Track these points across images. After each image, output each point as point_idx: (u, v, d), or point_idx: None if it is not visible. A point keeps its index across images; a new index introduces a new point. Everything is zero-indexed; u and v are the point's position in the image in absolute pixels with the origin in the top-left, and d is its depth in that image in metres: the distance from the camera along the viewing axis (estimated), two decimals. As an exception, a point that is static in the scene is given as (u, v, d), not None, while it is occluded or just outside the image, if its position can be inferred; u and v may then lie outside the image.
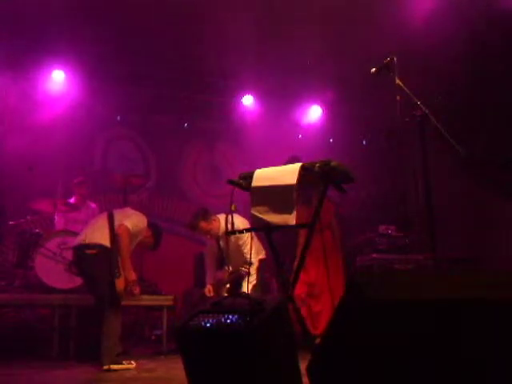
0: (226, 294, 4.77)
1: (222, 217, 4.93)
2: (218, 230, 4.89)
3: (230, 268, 4.82)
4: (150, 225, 4.76)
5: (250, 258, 4.53)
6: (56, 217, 6.10)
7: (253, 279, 4.66)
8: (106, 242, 4.34)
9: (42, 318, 5.40)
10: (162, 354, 5.13)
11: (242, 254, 4.74)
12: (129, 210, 4.72)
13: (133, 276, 4.39)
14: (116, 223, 4.43)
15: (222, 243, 4.92)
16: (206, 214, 4.90)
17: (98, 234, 4.39)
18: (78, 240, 4.46)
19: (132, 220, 4.50)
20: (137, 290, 4.53)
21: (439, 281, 1.99)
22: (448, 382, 1.74)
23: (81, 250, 4.38)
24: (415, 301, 1.80)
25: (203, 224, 4.86)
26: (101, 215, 4.71)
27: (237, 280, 4.75)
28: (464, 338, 1.76)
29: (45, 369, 4.25)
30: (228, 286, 4.85)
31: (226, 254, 4.78)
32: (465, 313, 1.79)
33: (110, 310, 4.24)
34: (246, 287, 4.45)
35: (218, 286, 4.99)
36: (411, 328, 1.73)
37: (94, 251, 4.32)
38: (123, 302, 4.46)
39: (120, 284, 4.27)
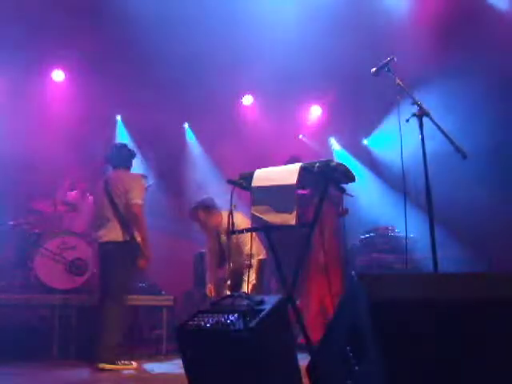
0: (227, 292, 4.75)
1: (225, 213, 4.89)
2: (219, 225, 4.84)
3: (231, 265, 4.78)
4: (126, 163, 4.71)
5: (251, 256, 4.49)
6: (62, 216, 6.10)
7: (252, 279, 4.64)
8: (119, 236, 4.36)
9: (42, 318, 5.40)
10: (161, 354, 5.13)
11: (241, 250, 4.70)
12: (129, 178, 4.60)
13: (149, 251, 4.43)
14: (124, 197, 4.40)
15: (223, 238, 4.87)
16: (209, 205, 4.87)
17: (110, 228, 4.39)
18: (95, 235, 4.53)
19: (137, 191, 4.46)
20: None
21: (439, 281, 1.99)
22: (448, 381, 1.74)
23: (105, 246, 4.42)
24: (414, 301, 1.80)
25: (201, 214, 4.83)
26: (105, 202, 4.53)
27: (238, 275, 4.71)
28: (466, 339, 1.76)
29: (45, 369, 4.24)
30: (229, 282, 4.81)
31: (228, 251, 4.75)
32: (466, 313, 1.79)
33: (114, 304, 4.25)
34: (246, 286, 4.43)
35: (219, 284, 4.96)
36: (411, 328, 1.73)
37: (110, 247, 4.37)
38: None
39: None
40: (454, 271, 2.05)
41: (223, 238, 4.85)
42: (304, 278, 5.10)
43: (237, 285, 4.69)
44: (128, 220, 4.40)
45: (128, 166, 4.70)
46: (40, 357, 4.74)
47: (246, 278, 4.48)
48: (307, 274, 5.13)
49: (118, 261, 4.36)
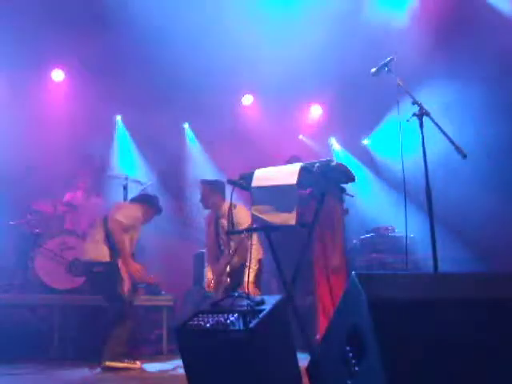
0: (227, 279, 4.71)
1: (228, 203, 4.85)
2: (217, 208, 4.81)
3: (231, 251, 4.72)
4: (141, 200, 4.75)
5: (251, 244, 4.43)
6: (62, 216, 6.11)
7: (254, 264, 4.59)
8: (107, 257, 4.39)
9: (42, 317, 5.40)
10: (162, 354, 5.12)
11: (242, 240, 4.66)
12: (122, 204, 4.72)
13: (135, 266, 4.40)
14: (109, 217, 4.45)
15: (223, 223, 4.82)
16: (217, 187, 4.83)
17: (99, 248, 4.42)
18: (85, 256, 4.51)
19: (123, 212, 4.49)
20: (151, 279, 4.67)
21: (439, 281, 1.99)
22: (448, 381, 1.74)
23: (88, 267, 4.48)
24: (414, 301, 1.80)
25: (206, 189, 4.80)
26: (98, 223, 4.64)
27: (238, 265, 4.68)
28: (465, 339, 1.76)
29: (45, 369, 4.24)
30: (228, 269, 4.75)
31: (227, 238, 4.70)
32: (466, 313, 1.79)
33: (117, 314, 4.28)
34: (247, 274, 4.38)
35: (219, 275, 4.90)
36: (410, 328, 1.73)
37: (100, 269, 4.39)
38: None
39: (126, 287, 4.36)
40: (453, 271, 2.05)
41: (223, 222, 4.80)
42: (311, 278, 5.09)
43: (237, 273, 4.65)
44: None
45: (141, 203, 4.72)
46: (40, 357, 4.74)
47: (247, 264, 4.44)
48: (315, 274, 5.13)
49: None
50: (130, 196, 5.86)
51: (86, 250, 4.53)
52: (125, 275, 4.38)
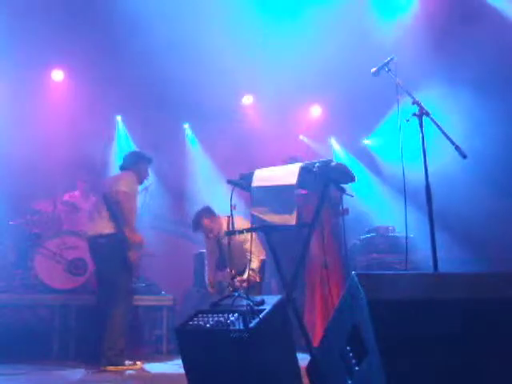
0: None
1: (224, 218, 4.91)
2: (220, 229, 4.86)
3: (233, 271, 4.76)
4: (130, 164, 4.66)
5: (251, 252, 4.46)
6: (62, 216, 6.12)
7: (255, 258, 4.64)
8: (112, 229, 4.34)
9: (42, 318, 5.41)
10: (162, 354, 5.12)
11: (243, 251, 4.69)
12: (119, 175, 4.63)
13: (138, 237, 4.38)
14: (110, 190, 4.39)
15: (223, 242, 4.87)
16: (210, 211, 4.88)
17: (106, 223, 4.39)
18: (90, 231, 4.50)
19: (125, 181, 4.44)
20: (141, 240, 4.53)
21: (439, 281, 1.98)
22: (448, 381, 1.74)
23: (93, 240, 4.43)
24: (414, 301, 1.80)
25: (206, 221, 4.82)
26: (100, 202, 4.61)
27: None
28: (465, 339, 1.76)
29: (45, 369, 4.24)
30: (231, 290, 4.79)
31: (228, 255, 4.74)
32: (466, 313, 1.79)
33: (116, 305, 4.22)
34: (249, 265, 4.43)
35: (219, 287, 4.94)
36: (410, 328, 1.73)
37: (104, 241, 4.34)
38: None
39: (133, 257, 4.32)
40: (454, 271, 2.05)
41: (224, 242, 4.84)
42: (305, 278, 5.10)
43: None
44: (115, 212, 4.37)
45: (130, 168, 4.64)
46: (40, 357, 4.73)
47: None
48: (308, 275, 5.14)
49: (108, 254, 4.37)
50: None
51: (92, 226, 4.47)
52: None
